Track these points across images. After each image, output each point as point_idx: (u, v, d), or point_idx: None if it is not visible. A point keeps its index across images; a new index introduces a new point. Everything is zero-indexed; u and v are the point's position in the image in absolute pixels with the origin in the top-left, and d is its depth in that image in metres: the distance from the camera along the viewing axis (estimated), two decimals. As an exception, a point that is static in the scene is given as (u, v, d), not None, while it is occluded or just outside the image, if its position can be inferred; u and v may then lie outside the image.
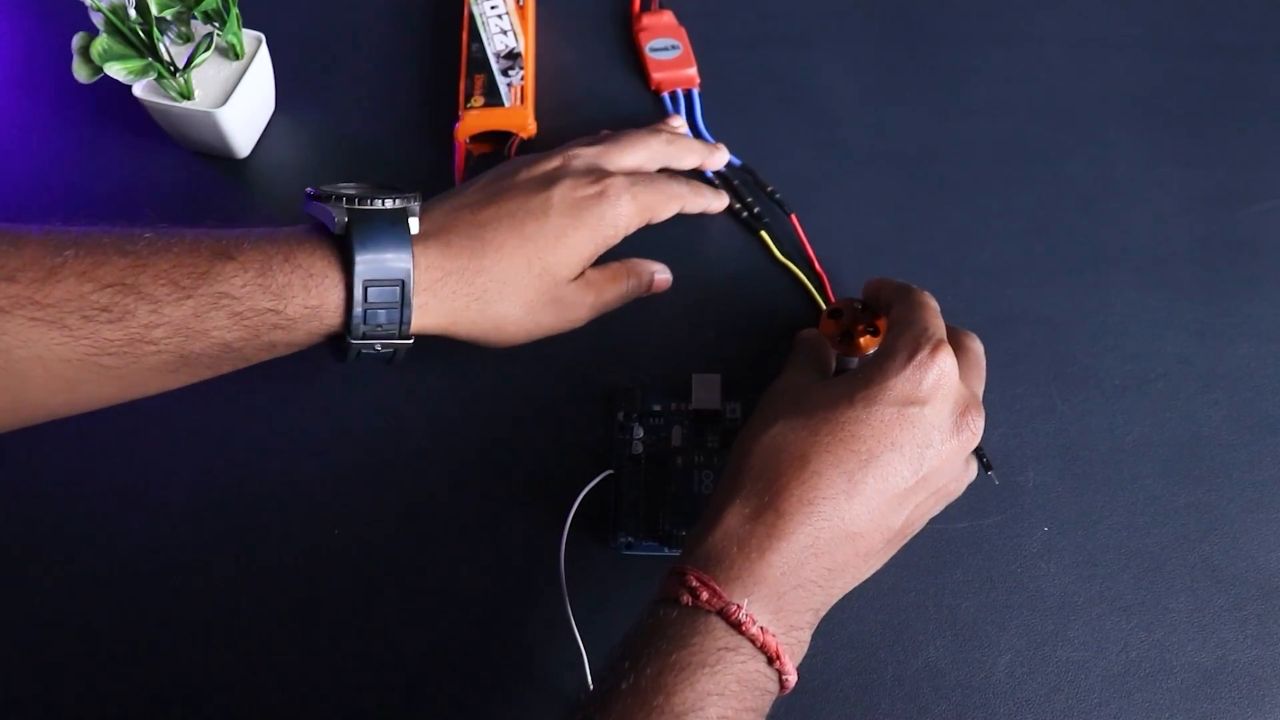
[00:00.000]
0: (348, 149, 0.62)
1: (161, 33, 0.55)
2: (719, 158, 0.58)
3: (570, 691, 0.47)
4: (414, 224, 0.46)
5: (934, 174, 0.61)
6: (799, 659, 0.41)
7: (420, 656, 0.48)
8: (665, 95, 0.62)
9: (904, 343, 0.43)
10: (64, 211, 0.60)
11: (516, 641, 0.48)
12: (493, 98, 0.61)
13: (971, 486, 0.51)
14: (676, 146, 0.56)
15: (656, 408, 0.53)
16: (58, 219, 0.55)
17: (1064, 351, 0.55)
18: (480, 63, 0.62)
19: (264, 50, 0.59)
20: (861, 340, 0.51)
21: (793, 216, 0.58)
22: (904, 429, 0.42)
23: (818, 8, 0.67)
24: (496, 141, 0.60)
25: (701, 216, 0.59)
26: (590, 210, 0.50)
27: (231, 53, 0.58)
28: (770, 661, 0.39)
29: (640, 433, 0.52)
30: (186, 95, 0.57)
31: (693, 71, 0.63)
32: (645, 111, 0.62)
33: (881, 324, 0.52)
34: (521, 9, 0.64)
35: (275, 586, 0.50)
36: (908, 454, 0.42)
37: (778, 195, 0.58)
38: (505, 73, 0.62)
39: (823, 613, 0.43)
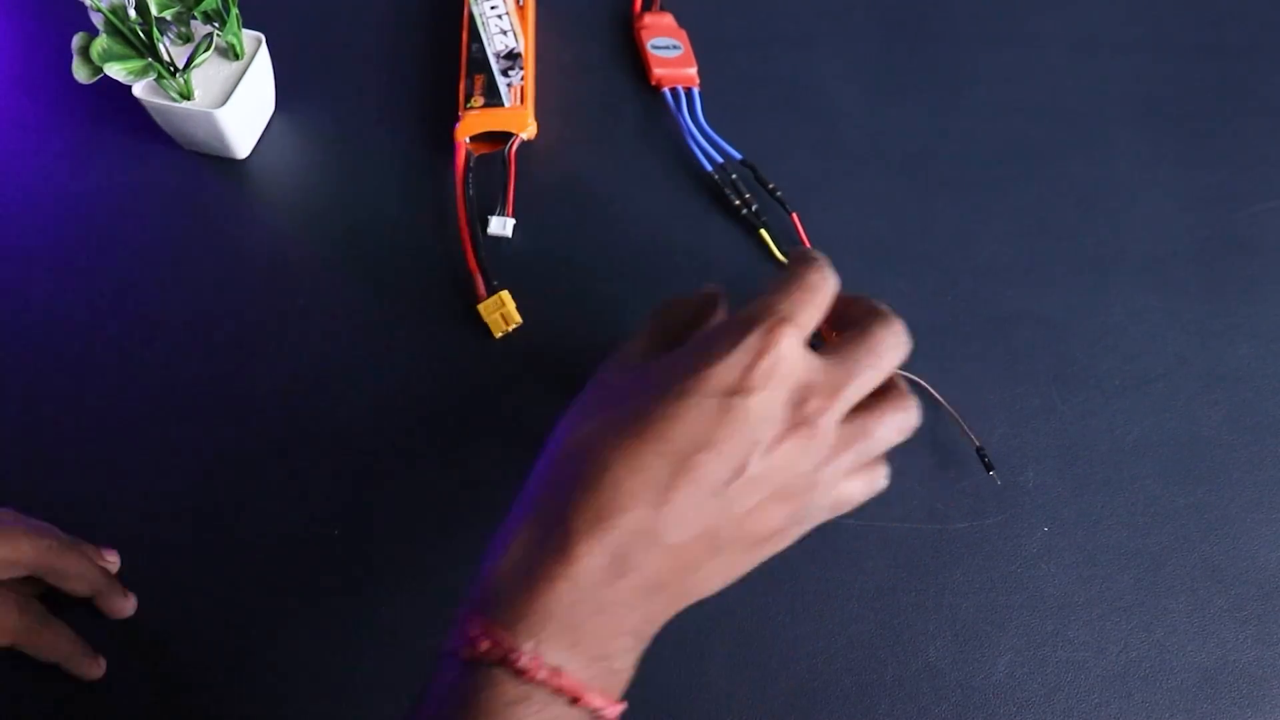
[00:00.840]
0: (348, 149, 0.62)
1: (161, 33, 0.55)
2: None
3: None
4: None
5: (934, 174, 0.61)
6: (617, 687, 0.36)
7: (420, 656, 0.48)
8: (666, 91, 0.62)
9: (736, 322, 0.37)
10: (63, 212, 0.60)
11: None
12: (493, 98, 0.61)
13: (972, 487, 0.51)
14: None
15: (656, 408, 0.53)
16: (57, 218, 0.55)
17: (1064, 351, 0.55)
18: (480, 63, 0.62)
19: (264, 50, 0.59)
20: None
21: (794, 215, 0.58)
22: (723, 424, 0.35)
23: (818, 8, 0.67)
24: (497, 141, 0.60)
25: (701, 215, 0.59)
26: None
27: (231, 53, 0.58)
28: (574, 702, 0.34)
29: (640, 433, 0.52)
30: (186, 95, 0.57)
31: (693, 71, 0.63)
32: (646, 108, 0.62)
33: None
34: (521, 9, 0.64)
35: (275, 585, 0.50)
36: (726, 454, 0.35)
37: (779, 193, 0.58)
38: (505, 73, 0.62)
39: (648, 632, 0.37)
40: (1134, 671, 0.47)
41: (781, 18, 0.67)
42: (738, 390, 0.35)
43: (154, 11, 0.54)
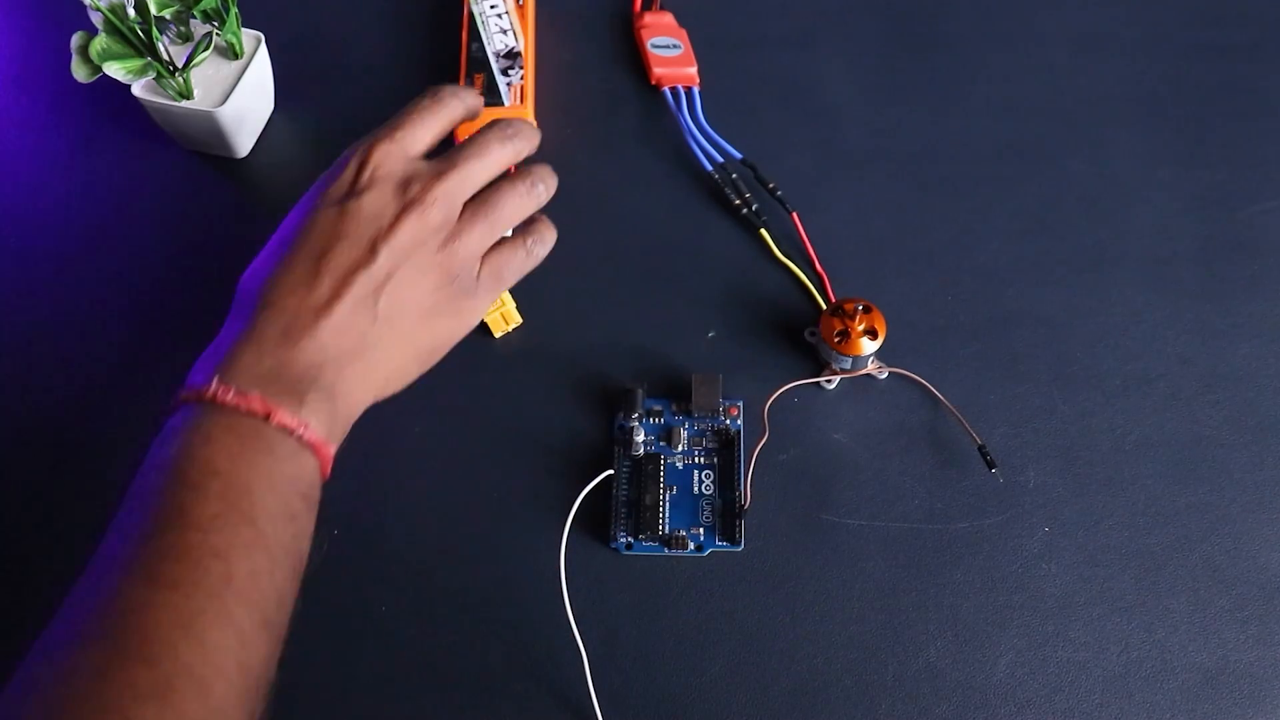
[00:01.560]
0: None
1: (160, 32, 0.55)
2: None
3: (570, 691, 0.47)
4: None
5: (934, 174, 0.61)
6: (315, 429, 0.40)
7: (420, 656, 0.48)
8: (666, 91, 0.62)
9: (351, 148, 0.44)
10: (63, 211, 0.60)
11: (516, 641, 0.48)
12: (493, 97, 0.61)
13: (973, 486, 0.51)
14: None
15: (656, 408, 0.53)
16: (58, 218, 0.55)
17: (1064, 351, 0.55)
18: (480, 62, 0.62)
19: (263, 50, 0.59)
20: (860, 341, 0.51)
21: (794, 215, 0.58)
22: (345, 222, 0.42)
23: (818, 8, 0.67)
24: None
25: (701, 215, 0.59)
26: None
27: (231, 52, 0.58)
28: (267, 419, 0.38)
29: (640, 433, 0.52)
30: (186, 95, 0.57)
31: (693, 70, 0.63)
32: (646, 108, 0.62)
33: (881, 326, 0.52)
34: (521, 8, 0.64)
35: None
36: (354, 239, 0.42)
37: (779, 193, 0.58)
38: (505, 72, 0.62)
39: (347, 406, 0.42)
40: (1135, 671, 0.47)
41: (781, 17, 0.67)
42: (350, 195, 0.43)
43: (153, 10, 0.54)
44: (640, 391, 0.52)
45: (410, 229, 0.42)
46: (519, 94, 0.61)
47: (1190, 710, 0.46)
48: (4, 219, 0.60)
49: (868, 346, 0.52)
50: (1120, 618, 0.48)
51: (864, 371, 0.53)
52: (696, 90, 0.62)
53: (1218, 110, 0.63)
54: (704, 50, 0.64)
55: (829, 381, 0.54)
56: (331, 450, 0.41)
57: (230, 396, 0.38)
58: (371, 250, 0.42)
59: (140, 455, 0.53)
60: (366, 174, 0.43)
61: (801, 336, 0.55)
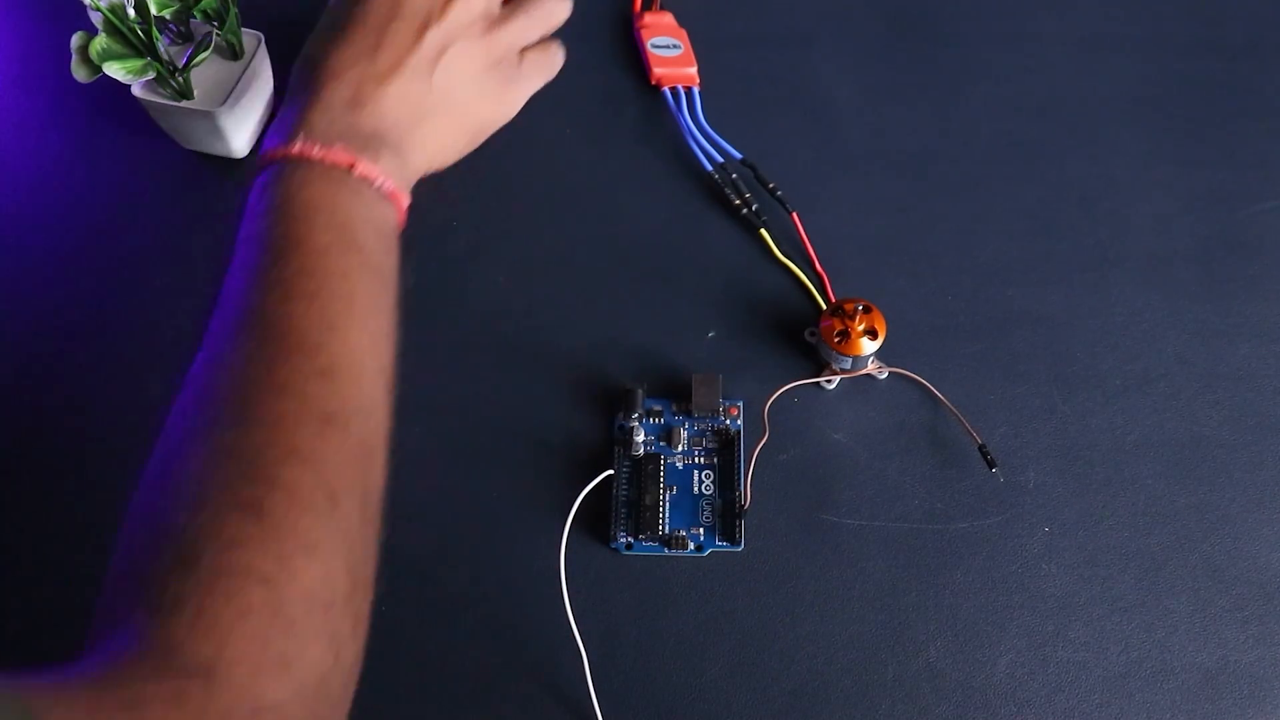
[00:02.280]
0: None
1: (160, 32, 0.55)
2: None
3: (570, 691, 0.47)
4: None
5: (934, 174, 0.61)
6: (389, 179, 0.43)
7: (419, 656, 0.48)
8: (665, 91, 0.62)
9: None
10: (63, 210, 0.60)
11: (516, 641, 0.48)
12: None
13: (973, 486, 0.51)
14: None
15: (656, 408, 0.53)
16: (58, 218, 0.55)
17: (1064, 352, 0.55)
18: None
19: (263, 50, 0.59)
20: (860, 341, 0.51)
21: (794, 215, 0.58)
22: (403, 4, 0.46)
23: (818, 8, 0.67)
24: None
25: (701, 215, 0.59)
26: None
27: (230, 52, 0.58)
28: (350, 170, 0.42)
29: (640, 433, 0.52)
30: (185, 95, 0.57)
31: (693, 70, 0.63)
32: (646, 108, 0.62)
33: (881, 327, 0.52)
34: None
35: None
36: (413, 21, 0.46)
37: (779, 193, 0.58)
38: None
39: (394, 137, 0.45)
40: (1135, 672, 0.47)
41: (782, 17, 0.67)
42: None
43: (153, 11, 0.54)
44: (640, 391, 0.52)
45: (458, 12, 0.47)
46: None
47: (1190, 710, 0.46)
48: (4, 218, 0.60)
49: (868, 346, 0.52)
50: (1120, 618, 0.48)
51: (864, 371, 0.53)
52: (696, 90, 0.62)
53: (1218, 110, 0.63)
54: (704, 50, 0.64)
55: (829, 381, 0.53)
56: (406, 203, 0.44)
57: (315, 151, 0.42)
58: (423, 29, 0.46)
59: (141, 455, 0.53)
60: None
61: (801, 336, 0.55)
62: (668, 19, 0.65)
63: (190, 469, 0.35)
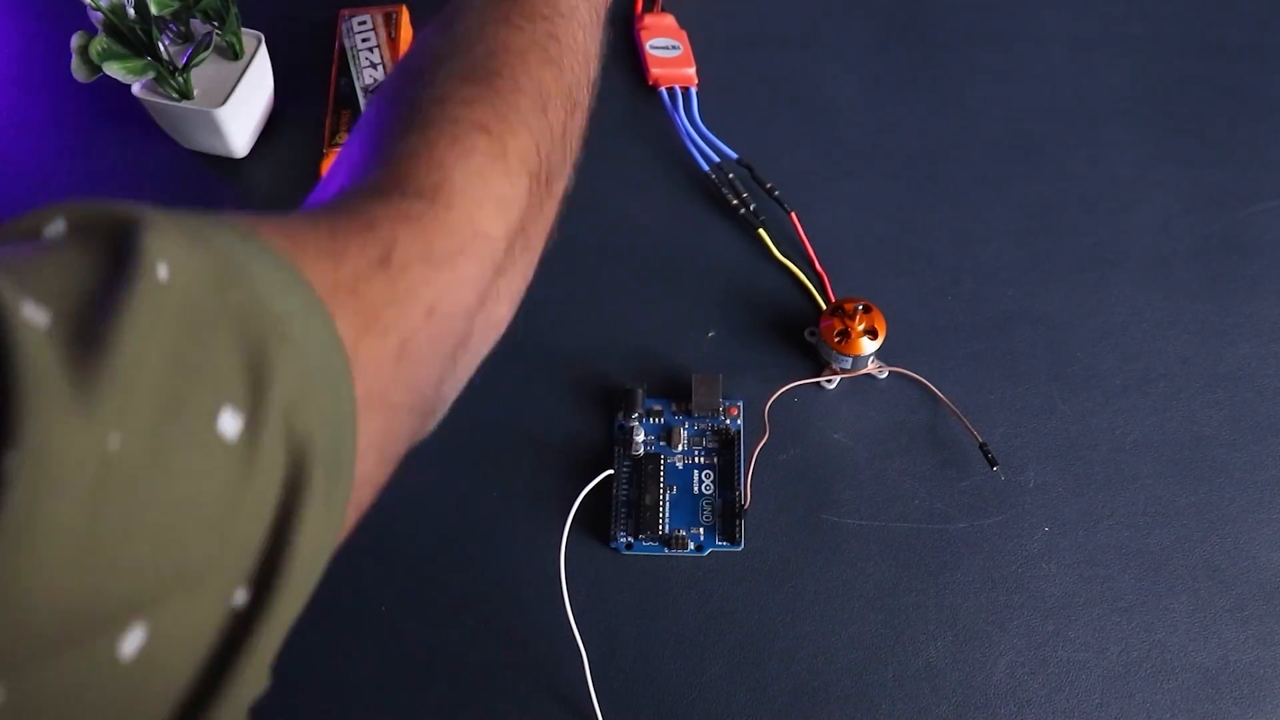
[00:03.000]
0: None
1: (160, 32, 0.55)
2: None
3: (570, 691, 0.47)
4: None
5: (934, 173, 0.61)
6: None
7: (420, 655, 0.48)
8: (662, 91, 0.62)
9: None
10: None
11: (516, 641, 0.48)
12: None
13: (973, 486, 0.51)
14: None
15: (656, 408, 0.53)
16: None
17: (1064, 351, 0.55)
18: (349, 98, 0.61)
19: (263, 50, 0.59)
20: (860, 341, 0.51)
21: (792, 215, 0.58)
22: None
23: (818, 8, 0.67)
24: None
25: (701, 215, 0.59)
26: None
27: (231, 52, 0.58)
28: None
29: (640, 433, 0.52)
30: (185, 95, 0.57)
31: (691, 71, 0.63)
32: (645, 109, 0.62)
33: (881, 326, 0.52)
34: (393, 41, 0.63)
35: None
36: None
37: (777, 193, 0.58)
38: None
39: None
40: (1135, 671, 0.47)
41: (781, 17, 0.67)
42: None
43: (153, 11, 0.54)
44: (640, 391, 0.52)
45: None
46: None
47: (1190, 710, 0.46)
48: (4, 218, 0.60)
49: (868, 346, 0.52)
50: (1120, 617, 0.48)
51: (864, 371, 0.53)
52: (694, 91, 0.62)
53: (1218, 110, 0.63)
54: (705, 50, 0.64)
55: (829, 381, 0.54)
56: None
57: None
58: None
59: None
60: None
61: (802, 336, 0.55)
62: (668, 20, 0.65)
63: (427, 57, 0.37)
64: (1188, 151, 0.61)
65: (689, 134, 0.61)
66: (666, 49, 0.64)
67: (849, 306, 0.52)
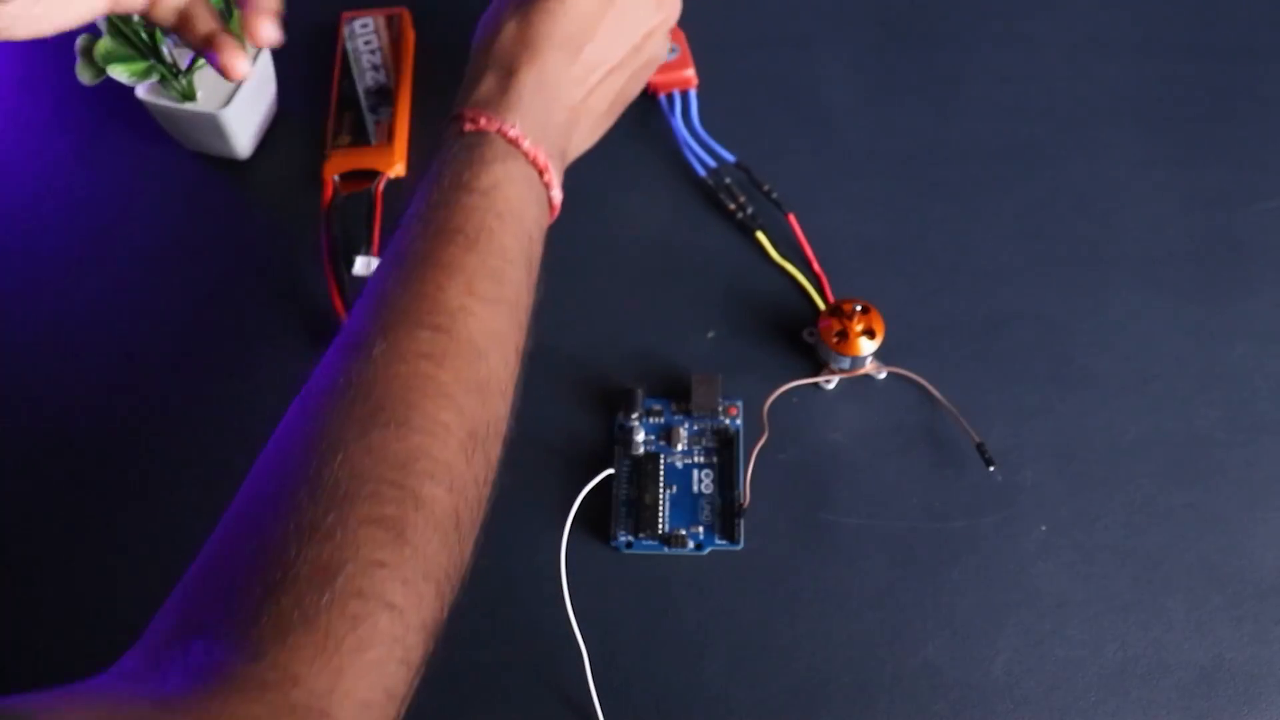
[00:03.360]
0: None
1: (164, 34, 0.55)
2: None
3: (571, 690, 0.47)
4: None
5: (933, 174, 0.61)
6: (558, 191, 0.48)
7: (421, 655, 0.48)
8: (661, 97, 0.62)
9: None
10: (67, 212, 0.60)
11: (516, 641, 0.48)
12: (359, 136, 0.60)
13: (970, 485, 0.51)
14: None
15: (656, 408, 0.53)
16: (62, 220, 0.55)
17: (1062, 351, 0.55)
18: (350, 100, 0.62)
19: (266, 51, 0.59)
20: (859, 341, 0.52)
21: (790, 216, 0.58)
22: (616, 6, 0.49)
23: (817, 8, 0.67)
24: (367, 179, 0.59)
25: (700, 217, 0.59)
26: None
27: (233, 54, 0.58)
28: (540, 175, 0.46)
29: (640, 432, 0.52)
30: (189, 97, 0.58)
31: (690, 73, 0.63)
32: (643, 111, 0.63)
33: (879, 327, 0.52)
34: (395, 44, 0.63)
35: None
36: (626, 24, 0.50)
37: (774, 194, 0.59)
38: (374, 109, 0.61)
39: (568, 160, 0.51)
40: (1131, 669, 0.47)
41: (780, 20, 0.67)
42: None
43: (156, 13, 0.54)
44: (640, 391, 0.53)
45: (663, 28, 0.53)
46: (386, 132, 0.60)
47: (1186, 708, 0.47)
48: (8, 221, 0.60)
49: (866, 346, 0.52)
50: (1116, 616, 0.49)
51: (862, 371, 0.53)
52: (694, 93, 0.62)
53: (1214, 111, 0.63)
54: (703, 51, 0.64)
55: (828, 381, 0.54)
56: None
57: (527, 146, 0.45)
58: (633, 51, 0.52)
59: (143, 453, 0.53)
60: None
61: (800, 337, 0.55)
62: None
63: (330, 465, 0.32)
64: (1185, 152, 0.61)
65: (686, 140, 0.60)
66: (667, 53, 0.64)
67: (847, 307, 0.53)
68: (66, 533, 0.51)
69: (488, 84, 0.47)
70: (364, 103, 0.61)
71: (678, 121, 0.61)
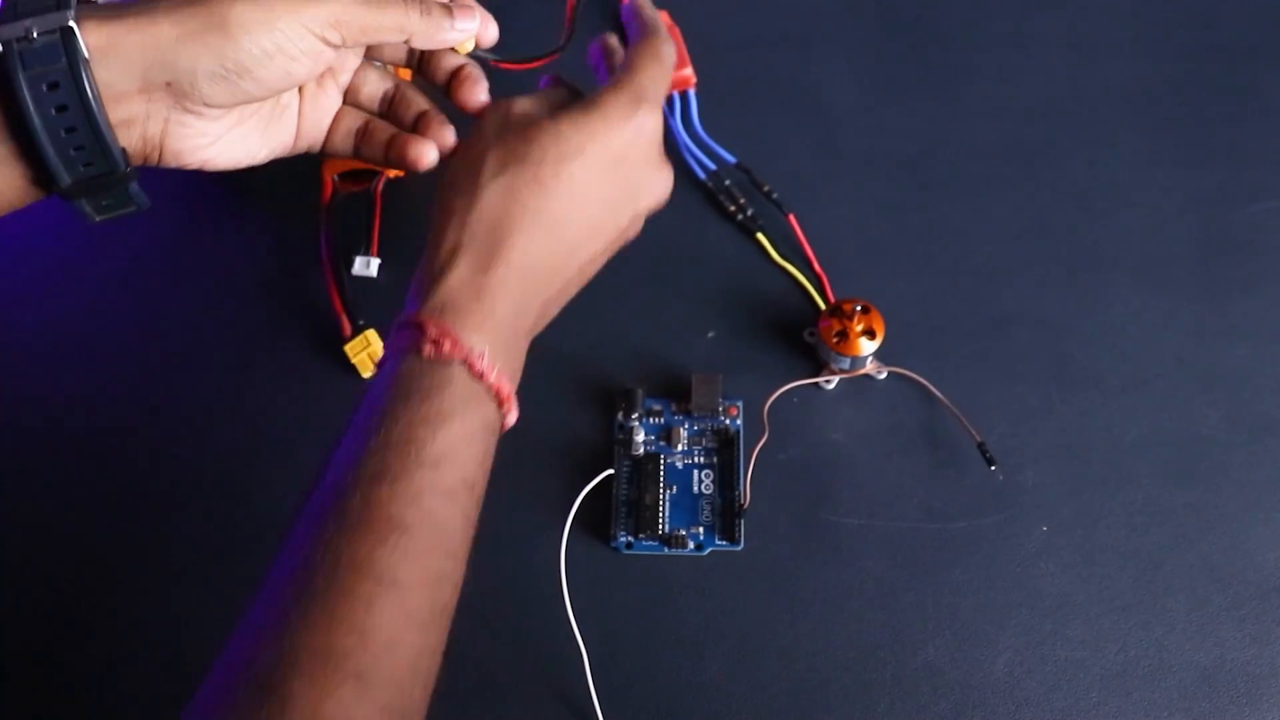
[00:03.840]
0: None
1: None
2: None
3: (571, 691, 0.47)
4: None
5: (933, 174, 0.61)
6: (514, 415, 0.42)
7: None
8: None
9: (623, 102, 0.43)
10: (64, 213, 0.60)
11: (516, 641, 0.48)
12: None
13: (971, 486, 0.51)
14: None
15: (656, 408, 0.53)
16: (60, 220, 0.55)
17: (1062, 351, 0.55)
18: None
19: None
20: (859, 341, 0.52)
21: (790, 216, 0.58)
22: (616, 187, 0.43)
23: (817, 8, 0.67)
24: (367, 179, 0.58)
25: (701, 217, 0.59)
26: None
27: (232, 54, 0.58)
28: (500, 405, 0.40)
29: (640, 433, 0.52)
30: (187, 96, 0.57)
31: (688, 72, 0.62)
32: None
33: (879, 327, 0.52)
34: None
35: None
36: (621, 209, 0.44)
37: (775, 195, 0.58)
38: None
39: (534, 335, 0.44)
40: (1132, 670, 0.47)
41: (781, 18, 0.67)
42: (626, 160, 0.43)
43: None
44: (640, 391, 0.53)
45: (661, 194, 0.46)
46: None
47: (1187, 708, 0.46)
48: (7, 220, 0.60)
49: (866, 347, 0.52)
50: (1118, 616, 0.48)
51: (863, 371, 0.53)
52: (693, 93, 0.62)
53: (1216, 110, 0.63)
54: (702, 50, 0.64)
55: (828, 382, 0.54)
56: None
57: (493, 378, 0.39)
58: (632, 221, 0.45)
59: (141, 458, 0.53)
60: (645, 137, 0.44)
61: (801, 337, 0.55)
62: (663, 19, 0.64)
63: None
64: (1186, 152, 0.61)
65: (686, 143, 0.60)
66: None
67: (847, 307, 0.52)
68: (66, 533, 0.51)
69: (458, 275, 0.40)
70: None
71: (677, 123, 0.61)
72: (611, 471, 0.51)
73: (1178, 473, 0.52)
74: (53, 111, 0.37)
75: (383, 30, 0.42)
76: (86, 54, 0.36)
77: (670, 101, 0.62)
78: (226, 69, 0.38)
